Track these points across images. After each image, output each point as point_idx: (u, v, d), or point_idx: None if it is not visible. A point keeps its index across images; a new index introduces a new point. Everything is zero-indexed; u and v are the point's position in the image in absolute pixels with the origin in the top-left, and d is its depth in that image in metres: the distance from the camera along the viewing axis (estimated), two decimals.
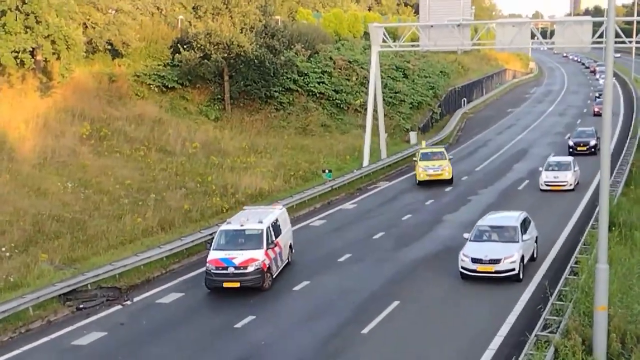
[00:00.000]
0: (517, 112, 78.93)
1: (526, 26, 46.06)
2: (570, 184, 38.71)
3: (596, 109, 68.30)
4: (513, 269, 24.38)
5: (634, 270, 22.05)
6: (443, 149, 44.55)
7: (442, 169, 41.80)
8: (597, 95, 79.23)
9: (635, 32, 51.61)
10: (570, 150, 49.35)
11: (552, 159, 41.54)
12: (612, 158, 26.15)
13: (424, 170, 41.89)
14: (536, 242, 27.39)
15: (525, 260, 25.47)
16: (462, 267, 25.09)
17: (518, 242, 25.25)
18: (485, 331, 20.83)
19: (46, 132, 40.67)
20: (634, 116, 64.22)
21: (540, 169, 40.50)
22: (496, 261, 24.42)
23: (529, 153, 52.93)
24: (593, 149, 48.76)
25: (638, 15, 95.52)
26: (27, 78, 44.16)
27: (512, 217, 27.05)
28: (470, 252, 25.11)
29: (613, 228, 26.00)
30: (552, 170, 39.78)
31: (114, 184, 37.10)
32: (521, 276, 24.64)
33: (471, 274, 24.79)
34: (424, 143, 48.44)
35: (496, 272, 24.37)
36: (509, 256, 24.45)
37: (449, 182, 42.00)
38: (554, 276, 24.64)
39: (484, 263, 24.56)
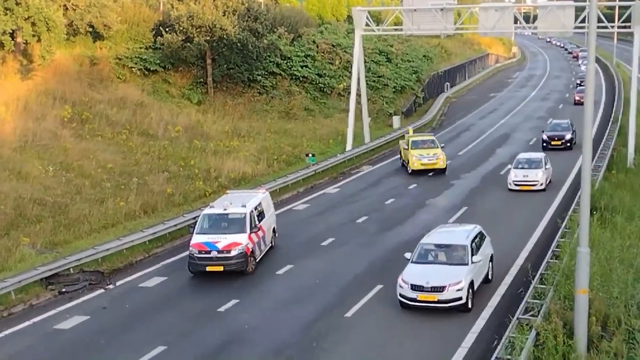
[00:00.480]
0: (499, 97, 79.16)
1: (509, 11, 46.11)
2: (542, 184, 35.73)
3: (577, 98, 66.53)
4: (459, 298, 20.67)
5: (614, 254, 22.22)
6: (433, 137, 43.71)
7: (436, 157, 40.81)
8: (578, 82, 78.54)
9: (617, 17, 51.72)
10: (544, 144, 46.43)
11: (522, 155, 38.07)
12: (593, 143, 26.17)
13: (418, 159, 40.72)
14: (492, 261, 23.65)
15: (477, 285, 21.85)
16: (401, 295, 21.20)
17: (467, 264, 21.49)
18: (468, 313, 20.94)
19: (27, 115, 40.32)
20: (616, 101, 64.58)
21: (509, 166, 37.80)
22: (440, 289, 20.67)
23: (511, 137, 53.14)
24: (569, 143, 46.07)
25: (620, 1, 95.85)
26: (7, 60, 43.74)
27: (462, 234, 23.03)
28: (411, 277, 21.23)
29: (595, 212, 26.17)
30: (522, 168, 36.65)
31: (96, 168, 36.89)
32: (470, 305, 20.92)
33: (411, 304, 20.97)
34: (411, 130, 47.85)
35: (439, 301, 20.64)
36: (455, 283, 20.76)
37: (442, 171, 40.99)
38: (534, 262, 24.79)
39: (425, 291, 20.74)
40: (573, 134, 46.33)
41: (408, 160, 41.34)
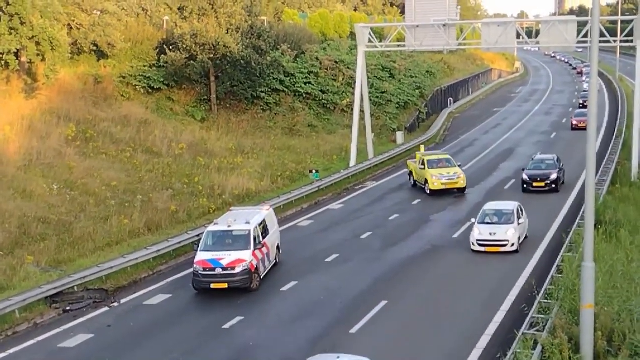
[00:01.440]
0: (503, 112, 79.22)
1: (511, 26, 46.24)
2: (513, 244, 27.97)
3: (574, 122, 60.96)
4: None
5: (618, 268, 22.18)
6: (449, 156, 42.32)
7: (457, 176, 39.31)
8: (581, 102, 72.89)
9: (620, 31, 51.85)
10: (525, 186, 38.85)
11: (489, 206, 30.46)
12: (597, 157, 26.03)
13: (438, 178, 39.11)
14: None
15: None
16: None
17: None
18: (474, 329, 20.91)
19: (31, 133, 40.46)
20: (619, 115, 64.60)
21: (473, 220, 29.85)
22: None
23: (515, 152, 53.14)
24: (554, 185, 38.44)
25: (622, 15, 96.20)
26: (11, 80, 43.94)
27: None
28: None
29: (599, 226, 26.15)
30: (488, 223, 29.01)
31: (100, 186, 36.96)
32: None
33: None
34: (423, 148, 46.88)
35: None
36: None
37: (461, 190, 39.60)
38: (540, 276, 24.73)
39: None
40: (560, 173, 39.12)
41: (426, 180, 39.76)
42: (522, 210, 29.85)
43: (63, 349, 21.50)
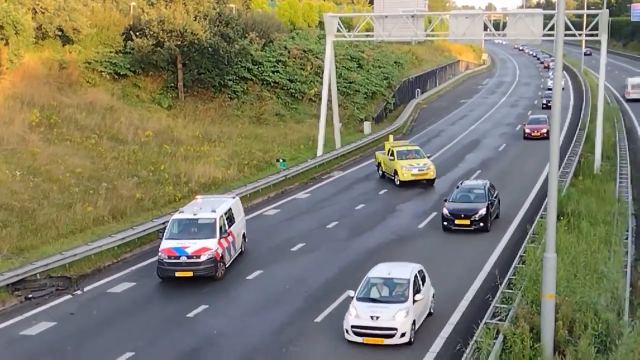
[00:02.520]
0: (470, 103, 79.80)
1: (479, 18, 46.50)
2: (403, 333, 19.27)
3: (527, 131, 53.61)
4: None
5: (579, 259, 22.52)
6: (418, 147, 42.40)
7: (427, 167, 39.14)
8: (544, 103, 69.89)
9: (585, 25, 52.44)
10: (445, 224, 30.25)
11: (376, 271, 21.37)
12: (561, 150, 26.15)
13: (408, 169, 38.96)
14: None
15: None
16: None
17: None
18: (437, 318, 21.09)
19: None
20: (583, 109, 65.43)
21: (351, 293, 20.73)
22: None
23: (481, 144, 53.58)
24: (482, 223, 29.81)
25: (588, 9, 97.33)
26: None
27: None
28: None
29: (561, 218, 26.49)
30: (370, 299, 20.24)
31: (64, 172, 36.50)
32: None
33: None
34: (391, 138, 47.01)
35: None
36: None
37: (431, 181, 39.37)
38: (504, 264, 25.02)
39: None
40: (491, 205, 30.63)
41: (395, 171, 39.71)
42: (423, 276, 21.14)
43: (25, 337, 21.28)
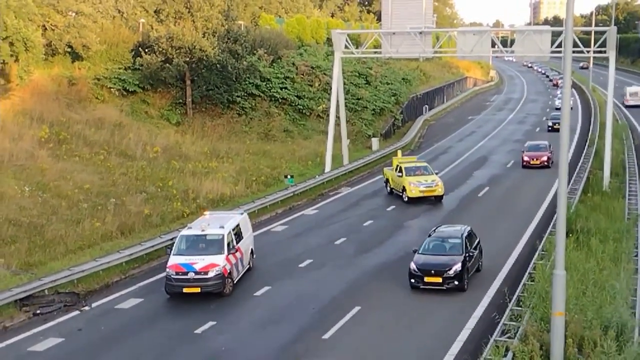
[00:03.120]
0: (477, 120, 79.77)
1: (487, 35, 46.57)
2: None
3: (525, 158, 49.20)
4: None
5: (589, 276, 22.40)
6: (426, 163, 42.44)
7: (435, 184, 39.10)
8: (549, 125, 66.59)
9: (593, 42, 52.47)
10: (413, 280, 25.20)
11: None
12: (570, 166, 25.93)
13: (416, 186, 38.93)
14: None
15: None
16: None
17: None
18: (445, 336, 20.99)
19: (3, 135, 40.03)
20: (592, 125, 65.30)
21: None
22: None
23: (489, 160, 53.50)
24: (456, 281, 24.62)
25: (596, 26, 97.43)
26: None
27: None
28: None
29: (570, 234, 26.39)
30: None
31: (73, 188, 36.62)
32: None
33: None
34: (400, 153, 47.27)
35: None
36: None
37: (439, 198, 39.28)
38: (513, 281, 24.90)
39: None
40: (467, 259, 25.32)
41: (404, 188, 39.50)
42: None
43: (32, 353, 21.26)
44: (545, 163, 48.18)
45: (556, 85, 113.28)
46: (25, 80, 44.05)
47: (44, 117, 43.93)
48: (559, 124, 52.23)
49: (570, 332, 18.14)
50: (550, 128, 65.89)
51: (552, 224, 29.69)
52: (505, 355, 17.65)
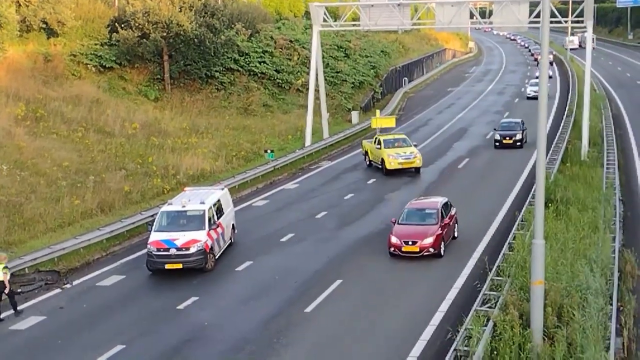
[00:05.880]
0: (457, 91, 79.88)
1: (465, 6, 46.48)
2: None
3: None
4: None
5: (568, 245, 22.61)
6: (405, 135, 42.72)
7: (414, 156, 39.41)
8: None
9: (571, 12, 52.56)
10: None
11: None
12: (548, 137, 25.96)
13: (395, 158, 39.17)
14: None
15: None
16: None
17: None
18: (426, 307, 21.16)
19: None
20: (570, 95, 65.61)
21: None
22: None
23: (468, 132, 53.66)
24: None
25: None
26: None
27: None
28: None
29: (550, 204, 26.60)
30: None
31: (51, 166, 36.34)
32: None
33: None
34: (378, 113, 46.51)
35: None
36: None
37: (417, 169, 39.66)
38: (492, 251, 25.10)
39: None
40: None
41: (383, 160, 39.80)
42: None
43: (14, 332, 21.21)
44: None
45: (537, 60, 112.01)
46: (0, 57, 43.45)
47: (20, 94, 43.42)
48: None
49: (549, 300, 18.34)
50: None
51: (531, 194, 29.91)
52: (486, 325, 17.82)
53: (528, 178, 36.71)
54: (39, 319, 22.05)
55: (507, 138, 45.38)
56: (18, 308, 22.57)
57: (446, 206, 27.17)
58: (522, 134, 45.62)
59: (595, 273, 20.05)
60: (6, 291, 22.44)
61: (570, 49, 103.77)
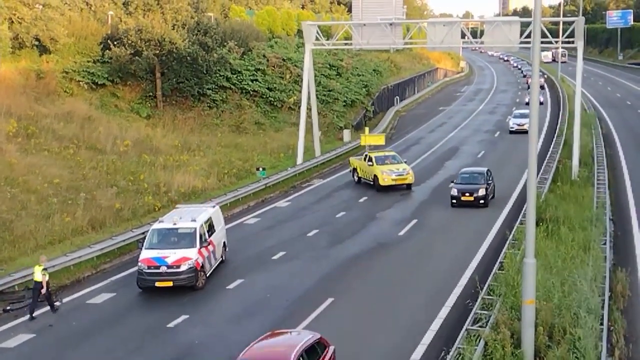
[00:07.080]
0: (448, 110, 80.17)
1: (456, 26, 46.78)
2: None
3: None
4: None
5: (559, 264, 22.65)
6: (395, 153, 43.48)
7: (406, 172, 40.23)
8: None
9: (562, 32, 52.90)
10: None
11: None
12: (539, 156, 26.09)
13: (388, 174, 39.85)
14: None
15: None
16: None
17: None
18: (418, 325, 21.11)
19: None
20: (560, 115, 65.93)
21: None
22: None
23: (460, 151, 53.80)
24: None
25: (564, 16, 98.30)
26: None
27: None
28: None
29: (540, 223, 26.65)
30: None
31: (42, 183, 36.23)
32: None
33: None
34: (367, 130, 47.16)
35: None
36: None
37: (409, 186, 40.38)
38: (484, 271, 25.11)
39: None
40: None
41: (376, 176, 40.07)
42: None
43: (3, 349, 21.04)
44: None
45: (528, 84, 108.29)
46: None
47: (12, 111, 43.34)
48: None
49: (540, 319, 18.35)
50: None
51: (522, 213, 29.96)
52: (477, 344, 17.79)
53: (519, 197, 36.73)
54: (28, 336, 21.90)
55: (467, 194, 35.37)
56: (7, 326, 22.40)
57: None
58: (487, 189, 35.83)
59: (586, 293, 20.06)
60: (43, 291, 23.26)
61: (545, 62, 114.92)
